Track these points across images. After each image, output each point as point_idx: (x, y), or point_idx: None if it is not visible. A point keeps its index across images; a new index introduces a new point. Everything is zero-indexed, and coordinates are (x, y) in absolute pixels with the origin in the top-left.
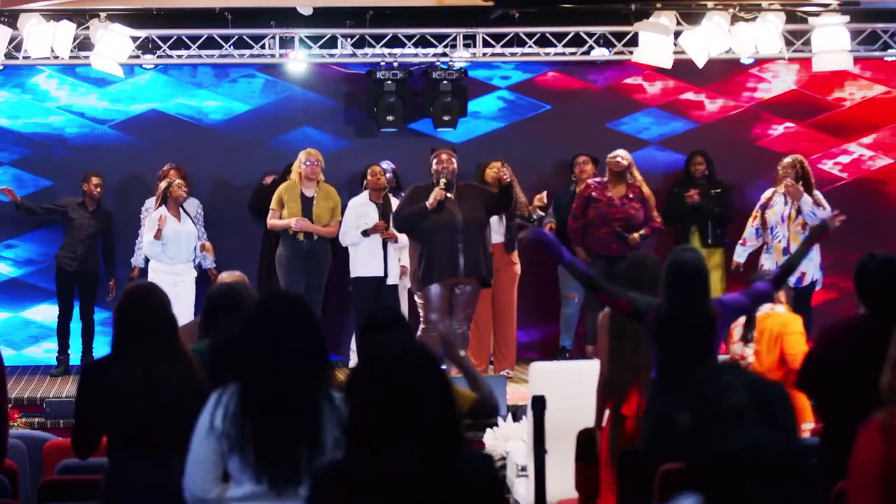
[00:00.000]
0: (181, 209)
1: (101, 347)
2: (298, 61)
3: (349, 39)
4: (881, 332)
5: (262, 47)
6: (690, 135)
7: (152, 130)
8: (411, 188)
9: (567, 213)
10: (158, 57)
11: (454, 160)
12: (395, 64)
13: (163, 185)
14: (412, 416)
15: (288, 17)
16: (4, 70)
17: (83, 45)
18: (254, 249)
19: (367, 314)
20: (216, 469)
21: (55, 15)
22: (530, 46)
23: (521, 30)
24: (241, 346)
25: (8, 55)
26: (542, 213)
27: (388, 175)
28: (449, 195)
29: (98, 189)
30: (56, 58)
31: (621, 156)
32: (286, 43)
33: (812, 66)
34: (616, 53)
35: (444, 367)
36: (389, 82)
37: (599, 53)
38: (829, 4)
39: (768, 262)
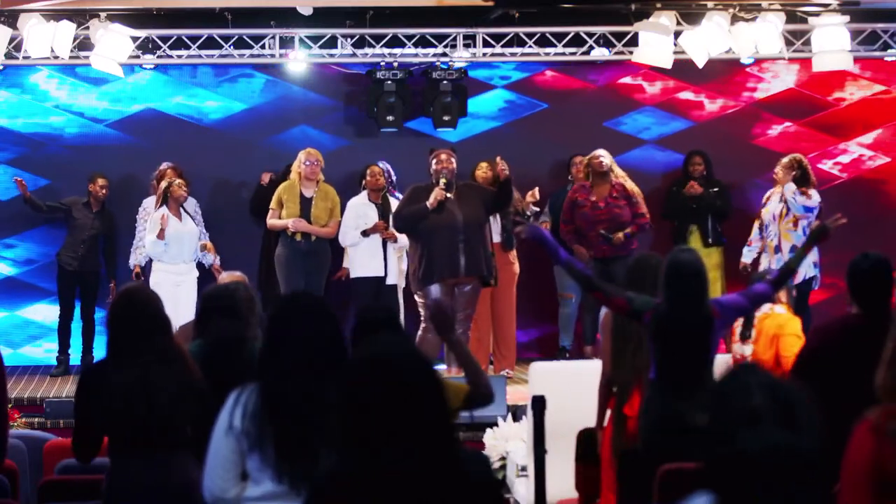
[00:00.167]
0: (182, 209)
1: (102, 348)
2: (298, 61)
3: (349, 39)
4: (873, 332)
5: (262, 47)
6: (689, 134)
7: (152, 130)
8: (411, 188)
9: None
10: (158, 57)
11: (453, 160)
12: (395, 64)
13: (163, 184)
14: (409, 416)
15: (288, 17)
16: (4, 70)
17: (83, 45)
18: (254, 249)
19: (359, 314)
20: (235, 468)
21: (55, 15)
22: (530, 46)
23: (521, 30)
24: (262, 347)
25: (8, 55)
26: (537, 209)
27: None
28: (449, 195)
29: (104, 191)
30: (56, 58)
31: (602, 155)
32: (286, 43)
33: (812, 66)
34: (616, 53)
35: (437, 367)
36: (389, 82)
37: (599, 53)
38: (829, 4)
39: (765, 262)
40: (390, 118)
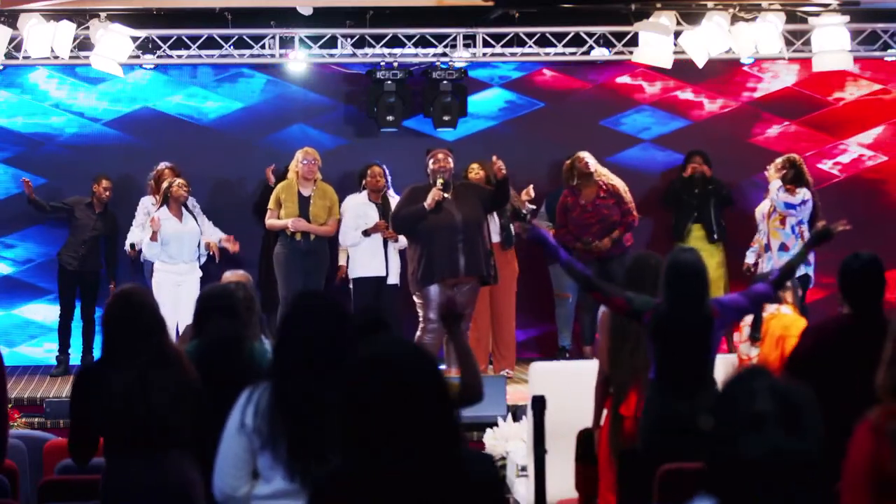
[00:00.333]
0: (184, 208)
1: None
2: (298, 61)
3: (349, 39)
4: (864, 332)
5: (262, 47)
6: (688, 134)
7: (152, 130)
8: (408, 189)
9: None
10: (158, 57)
11: (451, 160)
12: (395, 64)
13: (164, 185)
14: (411, 416)
15: (288, 17)
16: (4, 70)
17: (83, 45)
18: (254, 249)
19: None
20: (246, 466)
21: (55, 15)
22: (530, 46)
23: (521, 30)
24: (275, 345)
25: (8, 55)
26: (533, 207)
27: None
28: (446, 195)
29: (107, 192)
30: (56, 58)
31: (586, 157)
32: (286, 43)
33: (812, 66)
34: (616, 53)
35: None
36: (389, 82)
37: (599, 53)
38: (829, 4)
39: (751, 259)
40: (390, 118)
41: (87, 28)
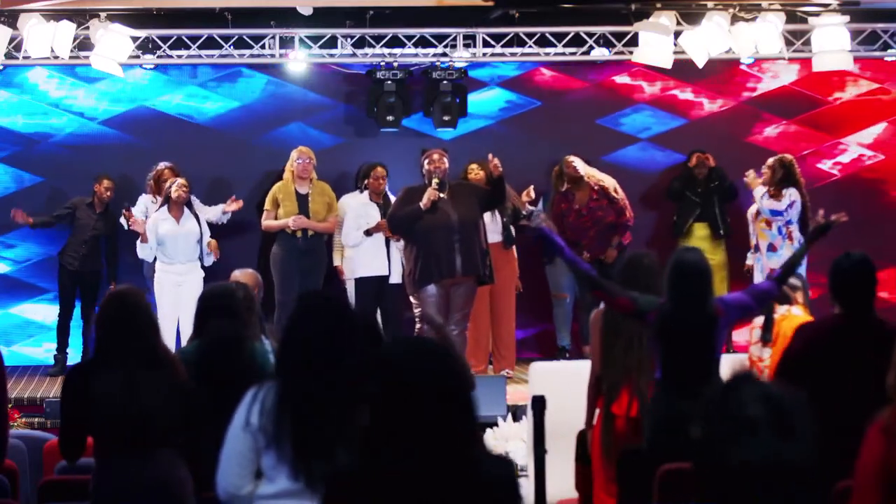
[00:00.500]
0: (186, 208)
1: None
2: (298, 61)
3: (349, 39)
4: (855, 332)
5: (262, 47)
6: (687, 133)
7: (152, 130)
8: (404, 189)
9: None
10: (158, 57)
11: (446, 160)
12: (395, 64)
13: (166, 186)
14: (426, 417)
15: (288, 17)
16: (4, 70)
17: (83, 45)
18: (253, 249)
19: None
20: (251, 465)
21: (55, 15)
22: (530, 46)
23: (521, 30)
24: (280, 344)
25: (8, 55)
26: (532, 208)
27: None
28: (442, 195)
29: (108, 192)
30: (56, 58)
31: (574, 161)
32: (286, 43)
33: (812, 66)
34: (616, 53)
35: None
36: (389, 82)
37: (599, 53)
38: (829, 4)
39: (751, 261)
40: (390, 118)
41: (87, 28)
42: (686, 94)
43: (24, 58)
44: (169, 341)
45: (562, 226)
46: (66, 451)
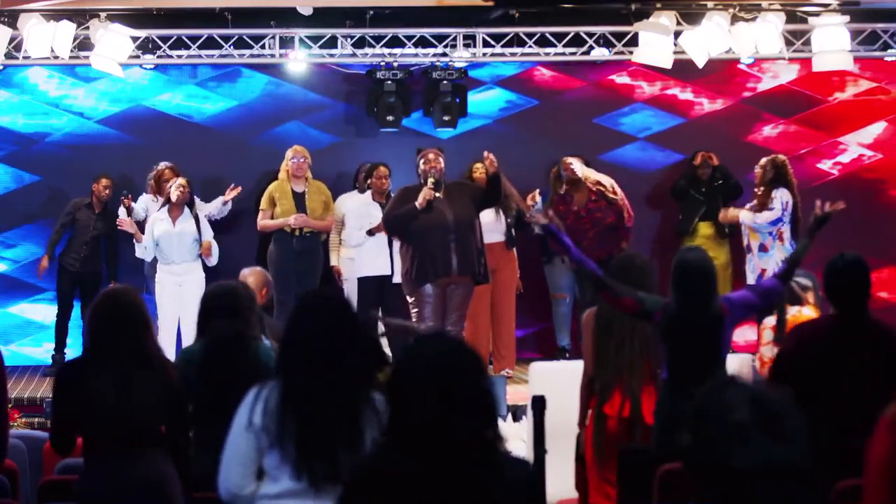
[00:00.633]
0: (187, 209)
1: None
2: (298, 61)
3: (349, 39)
4: (850, 332)
5: (262, 47)
6: (685, 132)
7: (152, 130)
8: (400, 189)
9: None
10: (158, 57)
11: (441, 159)
12: (395, 64)
13: (167, 186)
14: (452, 417)
15: (288, 17)
16: (4, 70)
17: (83, 45)
18: (251, 248)
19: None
20: (253, 465)
21: (55, 15)
22: (530, 46)
23: (521, 30)
24: (282, 344)
25: (8, 55)
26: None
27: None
28: (438, 194)
29: (106, 191)
30: (56, 58)
31: (573, 163)
32: (286, 43)
33: (812, 66)
34: (616, 53)
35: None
36: (389, 82)
37: (599, 53)
38: (829, 4)
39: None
40: (390, 118)
41: (87, 28)
42: (685, 94)
43: (24, 58)
44: (169, 341)
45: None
46: (57, 445)
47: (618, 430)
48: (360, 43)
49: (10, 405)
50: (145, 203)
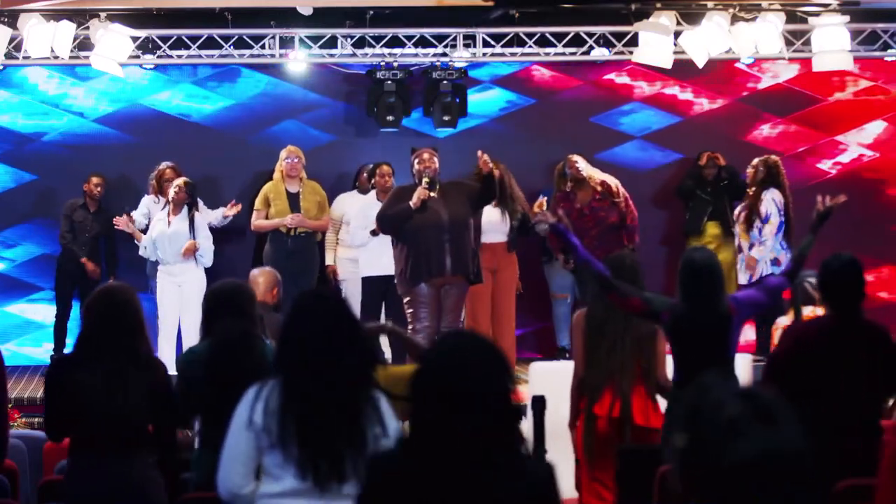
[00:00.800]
0: (187, 210)
1: None
2: (298, 61)
3: (349, 39)
4: (844, 332)
5: (262, 47)
6: (684, 131)
7: (152, 130)
8: (395, 189)
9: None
10: (158, 57)
11: (436, 159)
12: (395, 64)
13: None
14: (474, 417)
15: (288, 17)
16: (4, 70)
17: (83, 45)
18: (247, 249)
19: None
20: (253, 464)
21: (55, 15)
22: (530, 46)
23: (521, 30)
24: (279, 343)
25: (8, 55)
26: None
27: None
28: (432, 194)
29: (98, 189)
30: (56, 58)
31: (578, 161)
32: (286, 43)
33: (812, 66)
34: (616, 53)
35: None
36: (389, 82)
37: (599, 53)
38: (829, 4)
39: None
40: (390, 118)
41: (87, 28)
42: (684, 93)
43: (24, 58)
44: (169, 342)
45: None
46: (51, 433)
47: (608, 430)
48: (360, 43)
49: (10, 405)
50: (146, 206)
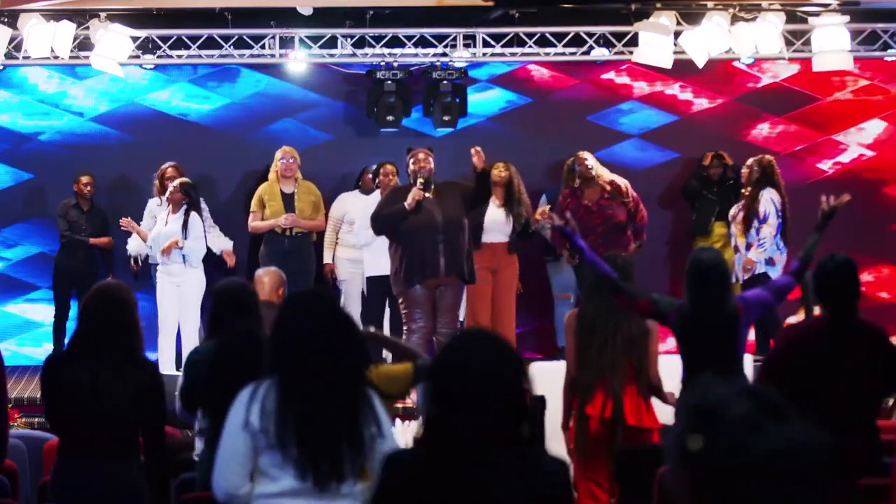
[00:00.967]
0: (184, 211)
1: None
2: (298, 61)
3: (349, 39)
4: (840, 333)
5: (262, 47)
6: (683, 130)
7: (152, 130)
8: (390, 189)
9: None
10: (158, 57)
11: (431, 159)
12: (395, 64)
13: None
14: (488, 415)
15: (288, 17)
16: (4, 70)
17: (83, 45)
18: (242, 250)
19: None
20: (249, 464)
21: (55, 15)
22: (530, 46)
23: (521, 30)
24: (274, 344)
25: (8, 55)
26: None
27: (370, 176)
28: (427, 195)
29: (88, 188)
30: (56, 58)
31: (588, 158)
32: (286, 43)
33: (812, 66)
34: (616, 53)
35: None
36: (389, 82)
37: (599, 53)
38: (829, 4)
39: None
40: (390, 118)
41: (87, 28)
42: (684, 93)
43: (24, 58)
44: (169, 343)
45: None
46: (55, 430)
47: (600, 430)
48: (360, 43)
49: (10, 405)
50: (150, 208)
